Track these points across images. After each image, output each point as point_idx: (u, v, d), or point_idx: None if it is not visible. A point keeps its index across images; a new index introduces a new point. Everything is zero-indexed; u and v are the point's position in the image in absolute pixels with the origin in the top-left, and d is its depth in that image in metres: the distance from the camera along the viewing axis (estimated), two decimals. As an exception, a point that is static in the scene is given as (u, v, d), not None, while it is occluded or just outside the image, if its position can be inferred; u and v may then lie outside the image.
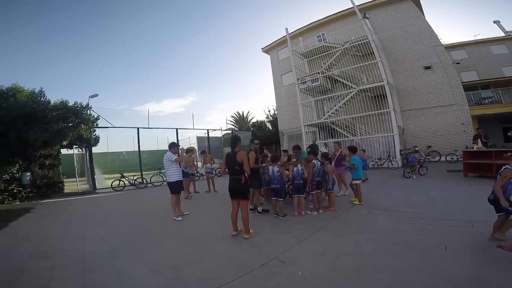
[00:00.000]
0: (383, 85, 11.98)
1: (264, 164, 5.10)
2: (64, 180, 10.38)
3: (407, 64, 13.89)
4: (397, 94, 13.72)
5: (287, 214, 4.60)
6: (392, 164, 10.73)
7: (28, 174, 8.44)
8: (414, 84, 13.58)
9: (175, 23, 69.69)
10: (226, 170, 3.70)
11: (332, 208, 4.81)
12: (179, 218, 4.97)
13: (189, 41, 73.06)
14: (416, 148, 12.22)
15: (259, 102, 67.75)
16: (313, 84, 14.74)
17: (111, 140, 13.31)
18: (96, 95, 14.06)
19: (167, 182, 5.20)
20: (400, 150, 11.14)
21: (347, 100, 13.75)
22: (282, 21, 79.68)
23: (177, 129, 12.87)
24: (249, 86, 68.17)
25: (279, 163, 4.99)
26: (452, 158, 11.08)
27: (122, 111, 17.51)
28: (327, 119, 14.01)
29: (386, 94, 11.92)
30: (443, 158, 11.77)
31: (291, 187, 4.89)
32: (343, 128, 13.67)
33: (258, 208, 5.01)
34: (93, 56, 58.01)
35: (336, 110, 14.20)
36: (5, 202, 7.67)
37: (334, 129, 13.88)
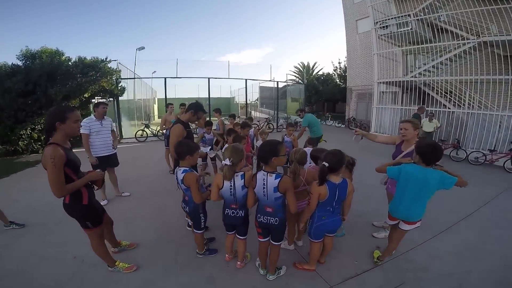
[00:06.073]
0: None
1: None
2: None
3: None
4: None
5: (217, 251, 2.78)
6: (514, 163, 6.89)
7: None
8: None
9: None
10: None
11: (312, 267, 2.54)
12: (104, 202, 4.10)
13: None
14: None
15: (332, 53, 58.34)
16: (399, 30, 10.30)
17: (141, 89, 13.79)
18: (143, 48, 15.73)
19: None
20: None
21: (457, 56, 9.27)
22: None
23: (209, 78, 11.91)
24: (324, 35, 57.91)
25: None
26: None
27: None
28: (416, 77, 10.08)
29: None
30: None
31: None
32: (441, 94, 9.49)
33: None
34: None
35: (435, 66, 9.92)
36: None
37: (426, 92, 9.69)
